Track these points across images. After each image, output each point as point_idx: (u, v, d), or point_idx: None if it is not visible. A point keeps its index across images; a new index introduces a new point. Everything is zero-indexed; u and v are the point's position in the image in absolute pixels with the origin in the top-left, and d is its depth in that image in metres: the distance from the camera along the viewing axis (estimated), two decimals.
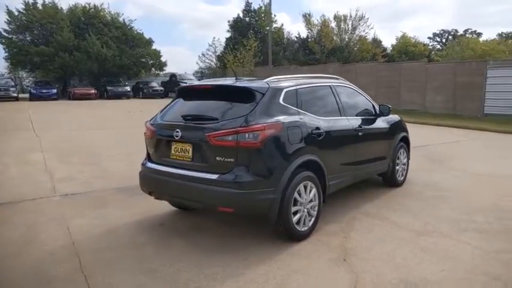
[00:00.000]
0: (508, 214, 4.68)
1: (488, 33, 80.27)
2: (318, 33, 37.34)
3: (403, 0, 78.03)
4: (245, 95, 3.82)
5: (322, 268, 3.36)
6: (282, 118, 3.76)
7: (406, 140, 6.11)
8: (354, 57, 36.73)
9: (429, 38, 56.07)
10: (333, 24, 37.74)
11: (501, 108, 15.53)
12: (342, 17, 37.46)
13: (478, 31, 54.69)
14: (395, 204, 5.08)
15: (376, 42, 42.02)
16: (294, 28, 61.29)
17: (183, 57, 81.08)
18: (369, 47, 37.97)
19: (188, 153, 3.79)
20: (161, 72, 37.42)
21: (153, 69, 36.65)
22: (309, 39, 37.99)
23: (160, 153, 4.11)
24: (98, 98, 28.02)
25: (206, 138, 3.60)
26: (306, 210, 3.90)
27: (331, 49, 36.58)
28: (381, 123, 5.44)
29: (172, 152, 3.93)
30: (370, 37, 39.65)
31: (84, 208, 5.09)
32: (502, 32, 54.48)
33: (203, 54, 42.72)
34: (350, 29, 37.89)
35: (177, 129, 3.82)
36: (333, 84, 4.93)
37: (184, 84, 4.76)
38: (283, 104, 3.90)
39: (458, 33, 54.36)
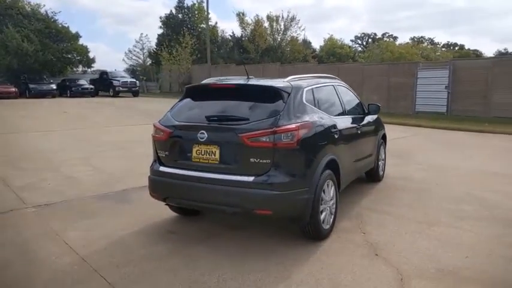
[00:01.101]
0: (485, 202, 5.18)
1: (403, 37, 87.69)
2: (251, 32, 37.80)
3: (323, 3, 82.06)
4: (271, 94, 3.76)
5: (362, 264, 3.44)
6: (308, 117, 3.76)
7: (384, 137, 6.47)
8: (286, 57, 37.88)
9: (351, 40, 59.73)
10: (266, 24, 38.53)
11: (430, 106, 17.09)
12: (275, 18, 38.38)
13: (394, 35, 59.56)
14: (390, 199, 5.36)
15: (306, 43, 43.75)
16: (223, 26, 61.93)
17: (103, 53, 76.74)
18: (300, 48, 39.38)
19: (215, 156, 3.62)
20: (89, 70, 35.08)
21: (80, 66, 34.18)
22: (243, 39, 38.33)
23: (177, 156, 3.87)
24: (19, 97, 25.36)
25: (240, 139, 3.47)
26: (328, 208, 3.96)
27: (265, 49, 37.30)
28: (369, 121, 5.69)
29: (194, 154, 3.72)
30: (300, 38, 41.07)
31: (70, 219, 4.62)
32: (414, 36, 59.91)
33: (130, 51, 41.00)
34: (282, 29, 38.93)
35: (202, 131, 3.63)
36: (335, 83, 5.05)
37: (201, 83, 4.47)
38: (306, 103, 3.91)
39: (377, 37, 58.66)
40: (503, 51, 51.29)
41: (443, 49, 56.74)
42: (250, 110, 3.71)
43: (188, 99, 4.19)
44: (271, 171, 3.43)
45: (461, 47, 58.25)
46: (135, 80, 27.40)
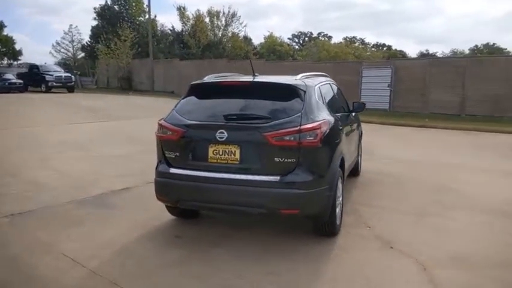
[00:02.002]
0: (460, 192, 5.62)
1: (336, 37, 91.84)
2: (192, 27, 37.09)
3: (258, 0, 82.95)
4: (288, 92, 3.73)
5: (382, 258, 3.56)
6: (323, 116, 3.79)
7: (361, 133, 6.74)
8: (228, 53, 37.78)
9: (289, 38, 61.02)
10: (207, 19, 38.02)
11: (374, 103, 18.07)
12: (216, 13, 38.02)
13: (329, 34, 62.07)
14: (376, 193, 5.60)
15: (247, 40, 43.96)
16: (163, 20, 59.58)
17: (22, 45, 70.33)
18: (241, 44, 39.46)
19: (234, 156, 3.51)
20: (15, 63, 31.98)
21: (5, 58, 31.03)
22: (184, 33, 37.47)
23: (190, 157, 3.69)
24: None
25: (264, 138, 3.40)
26: (339, 204, 4.04)
27: (207, 44, 36.84)
28: (353, 118, 5.89)
29: (211, 155, 3.58)
30: (241, 35, 41.16)
31: (56, 228, 4.22)
32: (346, 36, 62.91)
33: (58, 43, 38.12)
34: (223, 25, 38.70)
35: (221, 130, 3.49)
36: (330, 82, 5.14)
37: (208, 80, 4.30)
38: (318, 101, 3.93)
39: (313, 36, 60.72)
40: (424, 52, 55.72)
41: (373, 49, 60.28)
42: (269, 108, 3.65)
43: (195, 97, 4.01)
44: (296, 170, 3.42)
45: (389, 47, 62.26)
46: (70, 75, 25.51)
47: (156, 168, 3.93)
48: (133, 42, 28.81)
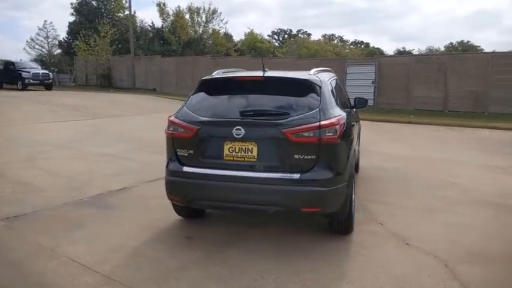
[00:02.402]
0: (460, 187, 5.69)
1: (315, 34, 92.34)
2: (172, 23, 36.52)
3: None
4: (303, 87, 3.65)
5: (402, 255, 3.53)
6: (338, 111, 3.73)
7: (360, 130, 6.73)
8: (208, 50, 37.43)
9: (268, 35, 61.03)
10: (187, 16, 37.53)
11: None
12: (196, 9, 37.57)
13: (308, 32, 62.38)
14: (380, 189, 5.61)
15: (228, 37, 43.67)
16: (142, 16, 57.77)
17: None
18: (222, 41, 39.17)
19: (252, 153, 3.40)
20: None
21: None
22: (164, 30, 36.86)
23: (204, 155, 3.56)
24: None
25: (284, 135, 3.31)
26: (353, 201, 3.99)
27: (187, 41, 36.37)
28: (355, 114, 5.86)
29: (227, 152, 3.46)
30: (222, 31, 40.85)
31: (57, 232, 4.01)
32: (325, 34, 63.44)
33: (32, 40, 36.85)
34: (204, 21, 38.30)
35: (238, 127, 3.38)
36: (336, 77, 5.08)
37: (222, 75, 4.17)
38: (331, 96, 3.87)
39: (293, 33, 60.95)
40: (401, 49, 56.73)
41: (351, 46, 61.01)
42: (285, 103, 3.56)
43: (205, 93, 3.88)
44: (317, 167, 3.34)
45: (367, 44, 63.15)
46: (48, 72, 24.56)
47: (167, 166, 3.78)
48: (113, 38, 28.09)
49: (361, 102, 5.66)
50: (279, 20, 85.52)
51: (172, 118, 3.77)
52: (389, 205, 4.86)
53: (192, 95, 3.93)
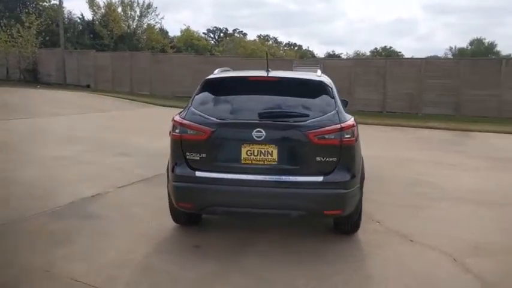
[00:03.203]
0: (433, 184, 6.04)
1: (251, 34, 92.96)
2: (103, 16, 34.51)
3: None
4: (318, 89, 3.63)
5: (410, 252, 3.66)
6: (347, 113, 3.74)
7: None
8: (143, 46, 36.04)
9: (204, 33, 60.28)
10: (120, 9, 35.71)
11: None
12: (129, 3, 35.93)
13: (244, 31, 62.75)
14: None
15: (163, 32, 42.38)
16: (70, 6, 52.39)
17: None
18: (158, 37, 37.92)
19: (272, 156, 3.29)
20: None
21: None
22: (95, 22, 34.68)
23: (219, 158, 3.37)
24: None
25: (306, 137, 3.24)
26: None
27: (120, 35, 34.64)
28: None
29: (245, 155, 3.30)
30: (157, 27, 39.54)
31: (44, 248, 3.59)
32: (260, 34, 64.31)
33: None
34: (138, 16, 36.78)
35: (259, 129, 3.24)
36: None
37: (229, 74, 4.04)
38: (339, 98, 3.88)
39: (229, 32, 60.88)
40: (331, 53, 59.36)
41: (285, 48, 62.59)
42: (301, 105, 3.51)
43: (212, 93, 3.67)
44: (337, 170, 3.33)
45: (300, 47, 65.23)
46: None
47: (172, 171, 3.51)
48: (39, 29, 25.71)
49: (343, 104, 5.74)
50: (211, 17, 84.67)
51: (178, 119, 3.51)
52: (378, 203, 5.00)
53: (197, 94, 3.70)
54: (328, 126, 3.30)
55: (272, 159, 3.29)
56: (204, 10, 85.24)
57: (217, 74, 3.99)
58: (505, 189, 5.90)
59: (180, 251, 3.57)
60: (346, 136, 3.35)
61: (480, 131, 12.41)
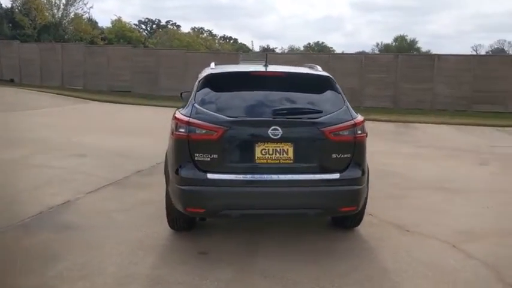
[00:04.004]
0: (400, 174, 6.34)
1: (184, 27, 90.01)
2: (24, 4, 31.48)
3: None
4: (324, 84, 3.60)
5: (411, 242, 3.78)
6: None
7: None
8: (70, 36, 33.63)
9: (135, 24, 57.62)
10: None
11: None
12: None
13: (177, 23, 61.01)
14: None
15: (93, 23, 39.86)
16: None
17: None
18: (87, 27, 35.56)
19: (287, 154, 3.18)
20: None
21: None
22: (15, 11, 31.50)
23: (231, 159, 3.19)
24: None
25: (323, 134, 3.18)
26: None
27: (44, 25, 31.91)
28: None
29: (259, 155, 3.15)
30: (86, 17, 37.07)
31: (32, 267, 3.14)
32: (194, 27, 63.07)
33: None
34: (64, 4, 34.13)
35: (275, 127, 3.11)
36: None
37: (234, 70, 3.87)
38: None
39: (161, 24, 58.87)
40: (265, 47, 59.98)
41: (221, 41, 62.09)
42: (312, 101, 3.45)
43: (216, 89, 3.45)
44: (351, 166, 3.32)
45: (235, 40, 65.11)
46: None
47: (177, 174, 3.24)
48: None
49: None
50: (139, 8, 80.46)
51: (183, 117, 3.25)
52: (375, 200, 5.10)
53: (199, 90, 3.46)
54: (343, 122, 3.27)
55: (288, 158, 3.19)
56: (131, 0, 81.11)
57: (217, 69, 3.75)
58: (463, 177, 6.39)
59: (188, 259, 3.32)
60: (359, 132, 3.35)
61: (419, 122, 13.35)
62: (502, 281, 3.06)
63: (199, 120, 3.18)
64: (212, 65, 3.88)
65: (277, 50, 51.50)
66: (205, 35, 61.22)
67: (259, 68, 3.72)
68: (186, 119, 3.21)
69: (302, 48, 55.68)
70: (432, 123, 13.38)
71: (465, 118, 14.14)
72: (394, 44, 52.06)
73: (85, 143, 7.97)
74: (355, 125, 3.31)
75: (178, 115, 3.32)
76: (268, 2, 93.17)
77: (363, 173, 3.41)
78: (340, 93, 3.55)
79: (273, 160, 3.18)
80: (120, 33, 41.44)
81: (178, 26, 58.49)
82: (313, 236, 3.87)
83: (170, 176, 3.43)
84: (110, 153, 7.26)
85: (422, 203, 4.98)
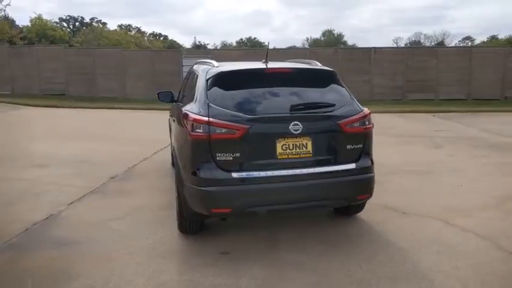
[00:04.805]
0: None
1: (111, 24, 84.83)
2: None
3: None
4: (330, 78, 3.72)
5: (411, 223, 4.05)
6: None
7: None
8: None
9: (56, 22, 53.67)
10: None
11: None
12: None
13: (103, 21, 57.96)
14: None
15: (10, 21, 36.53)
16: None
17: None
18: (4, 26, 32.48)
19: (307, 148, 3.25)
20: None
21: None
22: None
23: (253, 156, 3.18)
24: None
25: (339, 126, 3.31)
26: None
27: None
28: None
29: (280, 150, 3.19)
30: (2, 15, 33.86)
31: (50, 286, 2.89)
32: (121, 24, 60.38)
33: None
34: None
35: (296, 122, 3.17)
36: None
37: (245, 68, 3.81)
38: None
39: (85, 21, 55.53)
40: (198, 43, 59.06)
41: (151, 38, 60.07)
42: (324, 95, 3.56)
43: (226, 87, 3.41)
44: (363, 156, 3.49)
45: (165, 37, 63.40)
46: None
47: (196, 175, 3.17)
48: None
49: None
50: (56, 5, 74.48)
51: (201, 117, 3.17)
52: None
53: (209, 89, 3.39)
54: (355, 114, 3.43)
55: (307, 152, 3.27)
56: None
57: (223, 67, 3.68)
58: (427, 160, 6.93)
59: (212, 261, 3.27)
60: (367, 123, 3.52)
61: None
62: (501, 249, 3.43)
63: (219, 119, 3.13)
64: (214, 63, 3.81)
65: (209, 46, 51.09)
66: (133, 32, 58.93)
67: (267, 65, 3.73)
68: (205, 119, 3.14)
69: (235, 44, 55.83)
70: (376, 112, 14.19)
71: (403, 106, 15.29)
72: (322, 38, 54.28)
73: (39, 152, 7.37)
74: (365, 116, 3.48)
75: (194, 115, 3.23)
76: None
77: (372, 161, 3.60)
78: (344, 87, 3.70)
79: (293, 155, 3.23)
80: (41, 32, 38.42)
81: (104, 24, 55.54)
82: (322, 225, 4.01)
83: (185, 179, 3.34)
84: (71, 160, 6.81)
85: (402, 186, 5.34)
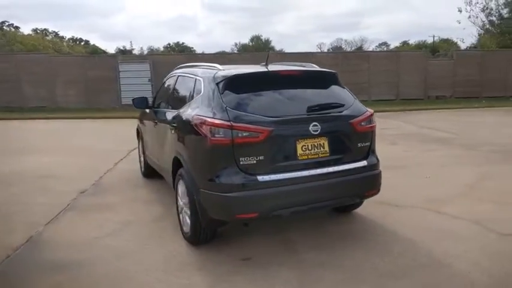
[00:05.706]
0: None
1: (24, 28, 76.96)
2: None
3: None
4: (332, 80, 3.82)
5: (407, 215, 4.27)
6: None
7: None
8: None
9: None
10: None
11: None
12: None
13: (15, 24, 53.12)
14: None
15: None
16: None
17: None
18: None
19: (324, 148, 3.31)
20: None
21: None
22: None
23: (276, 158, 3.16)
24: None
25: (351, 126, 3.43)
26: None
27: None
28: None
29: (300, 151, 3.21)
30: None
31: None
32: (37, 28, 55.96)
33: None
34: None
35: (315, 123, 3.21)
36: None
37: (253, 70, 3.70)
38: None
39: None
40: (122, 48, 56.46)
41: (71, 43, 56.30)
42: (332, 96, 3.64)
43: (239, 90, 3.34)
44: (371, 153, 3.64)
45: (87, 42, 59.86)
46: None
47: (217, 181, 3.07)
48: None
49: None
50: None
51: (221, 122, 3.06)
52: None
53: (222, 93, 3.29)
54: (363, 114, 3.56)
55: (325, 151, 3.32)
56: None
57: (230, 70, 3.58)
58: (391, 156, 7.24)
59: (237, 269, 3.17)
60: (372, 122, 3.68)
61: None
62: (492, 231, 3.77)
63: (242, 123, 3.06)
64: (220, 67, 3.70)
65: (134, 52, 49.17)
66: (50, 37, 54.79)
67: (277, 67, 3.75)
68: (227, 123, 3.04)
69: (162, 49, 54.38)
70: None
71: None
72: (251, 43, 55.19)
73: None
74: (371, 115, 3.64)
75: (212, 120, 3.11)
76: (114, 1, 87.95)
77: (377, 158, 3.76)
78: (344, 88, 3.83)
79: (312, 155, 3.27)
80: None
81: (17, 28, 50.91)
82: (329, 223, 4.09)
83: (202, 186, 3.20)
84: (29, 176, 6.18)
85: (386, 180, 5.58)
